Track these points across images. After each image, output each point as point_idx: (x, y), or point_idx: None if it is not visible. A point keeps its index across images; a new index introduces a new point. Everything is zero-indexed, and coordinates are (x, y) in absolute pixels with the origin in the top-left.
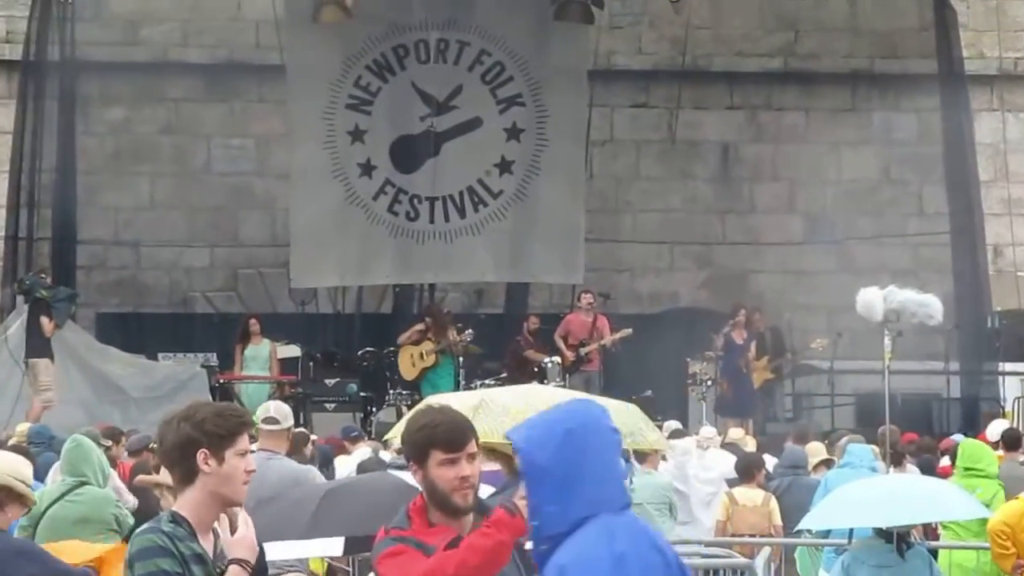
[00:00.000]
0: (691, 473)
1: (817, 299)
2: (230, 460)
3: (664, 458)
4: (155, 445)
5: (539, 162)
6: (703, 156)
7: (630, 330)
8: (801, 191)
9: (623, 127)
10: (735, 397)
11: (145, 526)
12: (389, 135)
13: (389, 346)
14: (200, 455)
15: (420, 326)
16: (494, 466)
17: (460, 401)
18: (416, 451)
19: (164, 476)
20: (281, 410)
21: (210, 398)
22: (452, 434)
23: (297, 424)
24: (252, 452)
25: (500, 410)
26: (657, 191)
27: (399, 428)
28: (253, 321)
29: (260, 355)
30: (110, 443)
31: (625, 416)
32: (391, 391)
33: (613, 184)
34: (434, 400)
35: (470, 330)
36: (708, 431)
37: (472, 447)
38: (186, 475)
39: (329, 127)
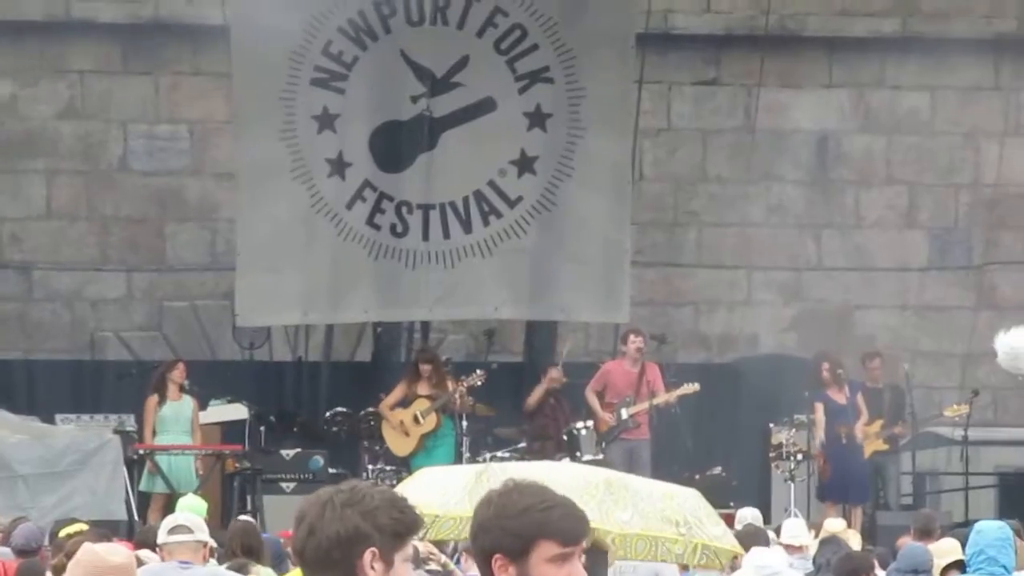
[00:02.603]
0: None
1: (946, 344)
2: (399, 567)
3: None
4: (302, 532)
5: (571, 158)
6: (792, 151)
7: (696, 385)
8: (925, 198)
9: (684, 112)
10: (835, 476)
11: None
12: (369, 121)
13: (367, 406)
14: (368, 555)
15: (407, 380)
16: None
17: (456, 475)
18: (513, 540)
19: None
20: (193, 520)
21: (124, 473)
22: (574, 522)
23: (243, 509)
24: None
25: None
26: (730, 198)
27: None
28: (178, 368)
29: (181, 415)
30: None
31: (679, 502)
32: (370, 466)
33: (671, 188)
34: (516, 473)
35: (479, 371)
36: (795, 528)
37: (584, 541)
38: None
39: (288, 110)
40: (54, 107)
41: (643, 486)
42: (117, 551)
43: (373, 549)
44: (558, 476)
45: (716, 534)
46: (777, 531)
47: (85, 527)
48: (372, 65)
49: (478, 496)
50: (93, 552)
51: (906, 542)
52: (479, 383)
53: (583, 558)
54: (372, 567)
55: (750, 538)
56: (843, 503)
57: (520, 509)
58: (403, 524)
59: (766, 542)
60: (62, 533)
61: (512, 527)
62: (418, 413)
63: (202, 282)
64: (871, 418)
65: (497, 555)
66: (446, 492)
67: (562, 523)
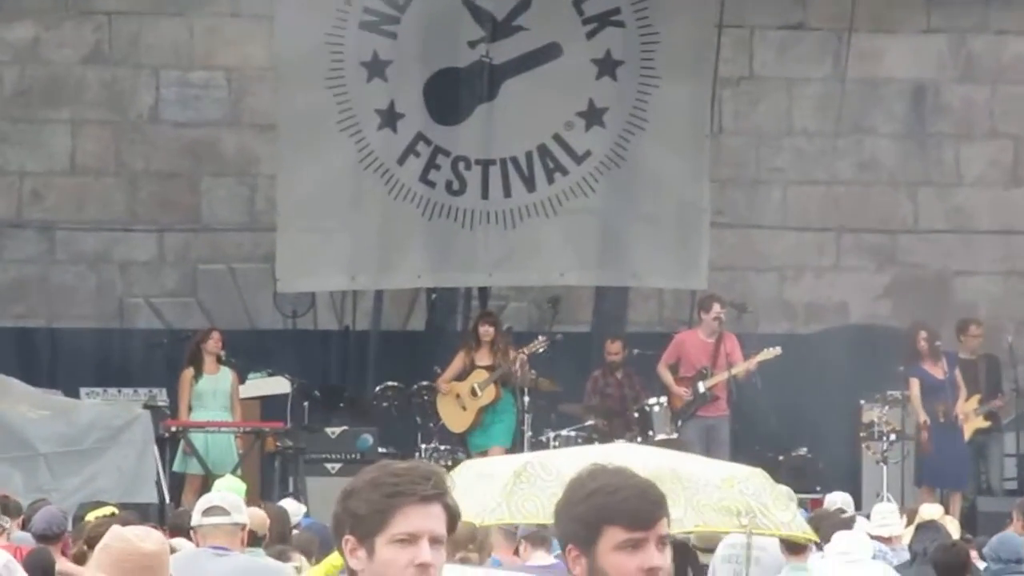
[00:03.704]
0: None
1: None
2: (383, 552)
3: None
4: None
5: (644, 110)
6: (886, 102)
7: (778, 349)
8: None
9: (768, 59)
10: (932, 458)
11: None
12: (423, 69)
13: (421, 380)
14: (345, 544)
15: (465, 349)
16: (546, 558)
17: (496, 475)
18: (580, 528)
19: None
20: (230, 500)
21: (155, 452)
22: (641, 504)
23: (284, 492)
24: (427, 537)
25: (551, 478)
26: (817, 153)
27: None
28: (213, 337)
29: (220, 389)
30: (5, 521)
31: (741, 488)
32: (424, 445)
33: (753, 143)
34: (599, 458)
35: (542, 337)
36: (886, 514)
37: (664, 526)
38: (350, 574)
39: (335, 56)
40: (79, 51)
41: (700, 474)
42: (149, 536)
43: (347, 537)
44: None
45: (784, 520)
46: (868, 518)
47: (113, 510)
48: (427, 7)
49: (517, 501)
50: (123, 537)
51: (1007, 532)
52: (541, 350)
53: (666, 547)
54: (355, 556)
55: (835, 524)
56: (940, 488)
57: (586, 494)
58: (380, 505)
59: (849, 520)
60: (89, 517)
61: (578, 513)
62: (475, 385)
63: (240, 243)
64: (968, 394)
65: (569, 546)
66: (484, 497)
67: (627, 505)
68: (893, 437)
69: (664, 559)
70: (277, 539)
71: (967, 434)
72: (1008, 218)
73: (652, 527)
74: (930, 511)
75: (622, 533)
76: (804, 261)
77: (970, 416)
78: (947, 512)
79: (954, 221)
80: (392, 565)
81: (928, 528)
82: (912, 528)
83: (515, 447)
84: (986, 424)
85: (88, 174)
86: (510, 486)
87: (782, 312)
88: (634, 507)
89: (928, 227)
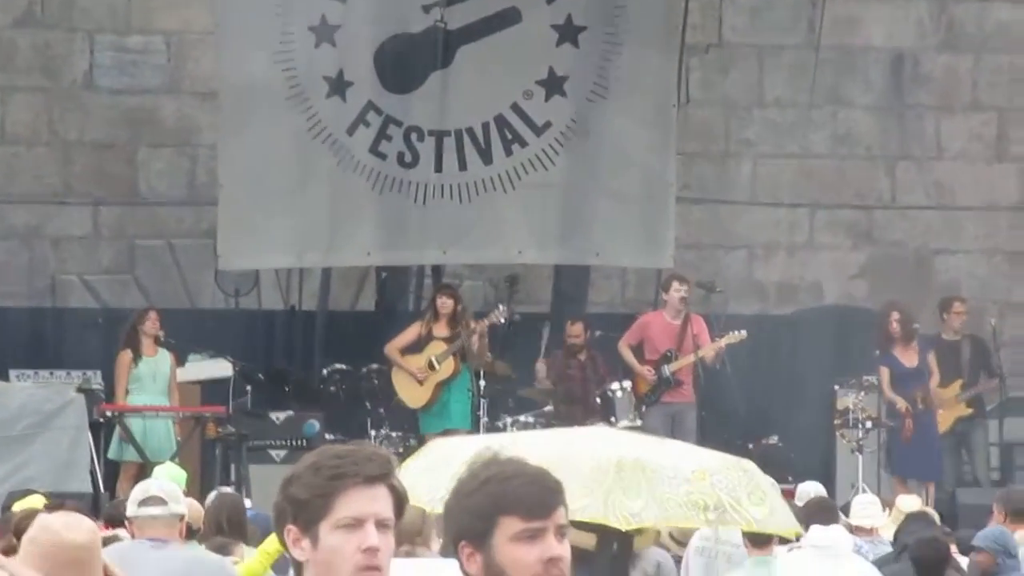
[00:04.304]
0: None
1: None
2: (327, 539)
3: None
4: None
5: (608, 79)
6: (863, 71)
7: (744, 333)
8: (1017, 127)
9: (739, 25)
10: (904, 447)
11: None
12: (374, 34)
13: (370, 362)
14: (287, 535)
15: (422, 320)
16: None
17: (457, 457)
18: (473, 520)
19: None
20: (168, 489)
21: (90, 439)
22: (537, 492)
23: (226, 481)
24: (373, 520)
25: None
26: (791, 125)
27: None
28: (151, 318)
29: (159, 372)
30: None
31: (714, 480)
32: (374, 431)
33: (723, 114)
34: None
35: (502, 306)
36: (867, 506)
37: (562, 515)
38: (295, 566)
39: (281, 20)
40: (10, 14)
41: (669, 465)
42: (80, 526)
43: (289, 527)
44: (567, 455)
45: (757, 516)
46: (845, 509)
47: (44, 500)
48: None
49: None
50: (50, 528)
51: (990, 524)
52: (502, 320)
53: (565, 537)
54: (298, 547)
55: (817, 514)
56: (912, 479)
57: (479, 483)
58: (322, 490)
59: (835, 519)
60: (16, 507)
61: (470, 505)
62: (433, 357)
63: (180, 218)
64: (948, 379)
65: (462, 542)
66: (439, 481)
67: (522, 493)
68: (869, 424)
69: (564, 549)
70: (229, 530)
71: (946, 423)
72: (991, 194)
73: (550, 516)
74: (908, 503)
75: (518, 523)
76: (776, 238)
77: (951, 403)
78: (926, 503)
79: (934, 197)
80: (338, 552)
81: (918, 519)
82: (890, 520)
83: (471, 433)
84: (968, 412)
85: (19, 144)
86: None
87: (752, 292)
88: (530, 495)
89: (907, 203)
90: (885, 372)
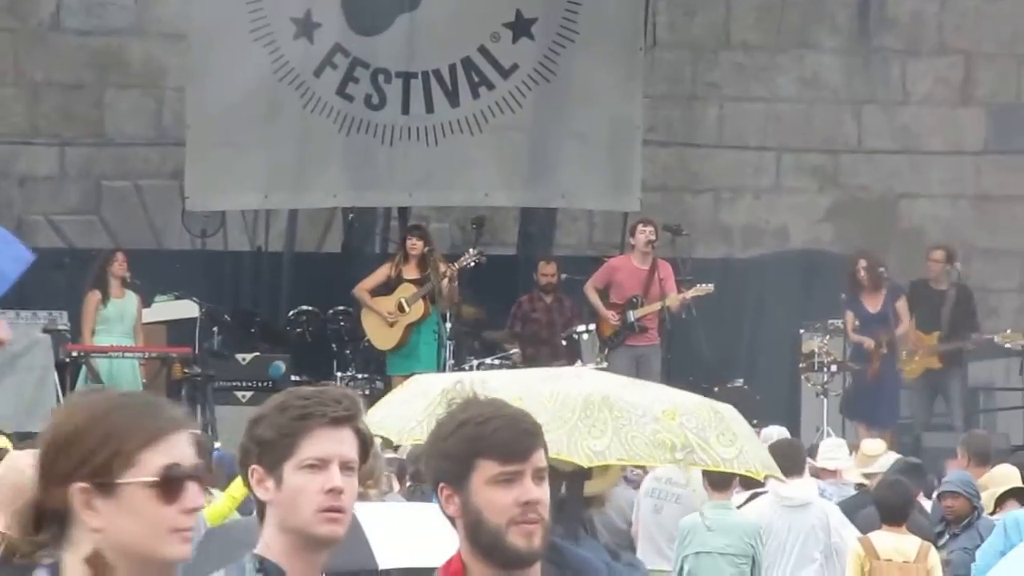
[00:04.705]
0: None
1: (1005, 240)
2: (291, 478)
3: (761, 483)
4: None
5: (575, 21)
6: (830, 13)
7: (711, 286)
8: (982, 69)
9: None
10: (864, 393)
11: None
12: None
13: (337, 303)
14: (252, 475)
15: (391, 262)
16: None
17: (430, 391)
18: (451, 464)
19: None
20: None
21: (56, 379)
22: (514, 435)
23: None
24: (337, 461)
25: None
26: (756, 68)
27: (402, 428)
28: (118, 259)
29: (126, 313)
30: None
31: (683, 420)
32: (339, 373)
33: (688, 57)
34: (467, 379)
35: (473, 249)
36: (833, 449)
37: (541, 458)
38: (258, 506)
39: None
40: None
41: (638, 404)
42: None
43: (253, 467)
44: (535, 392)
45: (725, 456)
46: (812, 452)
47: (7, 441)
48: None
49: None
50: (16, 467)
51: (952, 468)
52: (473, 263)
53: (544, 480)
54: (262, 487)
55: (783, 455)
56: (868, 423)
57: (455, 426)
58: (288, 429)
59: (801, 460)
60: None
61: (447, 448)
62: (403, 299)
63: (146, 159)
64: (927, 326)
65: (441, 484)
66: (410, 414)
67: (499, 436)
68: (834, 368)
69: (543, 492)
70: None
71: (916, 372)
72: (957, 138)
73: (527, 459)
74: (872, 447)
75: (495, 466)
76: (742, 182)
77: (927, 351)
78: (890, 447)
79: (900, 141)
80: (302, 492)
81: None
82: (854, 463)
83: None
84: (938, 366)
85: None
86: (434, 405)
87: (719, 236)
88: (507, 438)
89: (873, 147)
90: (850, 316)
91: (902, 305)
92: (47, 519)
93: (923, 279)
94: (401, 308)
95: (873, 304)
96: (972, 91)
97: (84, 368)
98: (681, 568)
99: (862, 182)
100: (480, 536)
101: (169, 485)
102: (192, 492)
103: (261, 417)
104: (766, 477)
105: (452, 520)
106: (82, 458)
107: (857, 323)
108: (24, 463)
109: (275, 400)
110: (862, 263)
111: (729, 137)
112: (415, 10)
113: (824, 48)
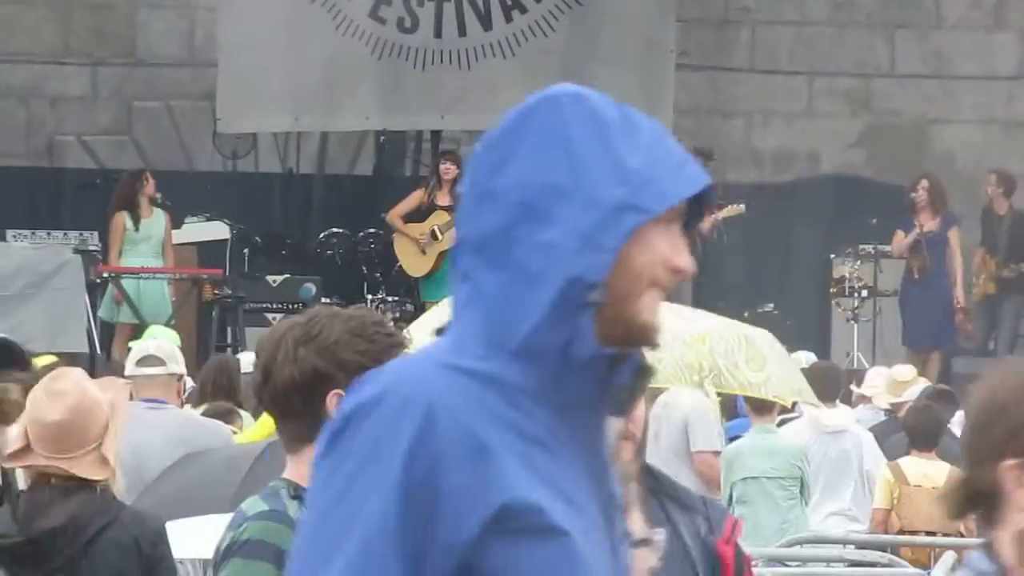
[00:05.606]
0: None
1: None
2: None
3: (792, 408)
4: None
5: None
6: None
7: (742, 206)
8: None
9: None
10: (913, 318)
11: (259, 505)
12: None
13: (368, 226)
14: (332, 399)
15: (424, 187)
16: None
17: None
18: None
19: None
20: (166, 349)
21: (86, 300)
22: None
23: (222, 343)
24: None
25: None
26: None
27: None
28: (146, 180)
29: (153, 234)
30: None
31: (712, 345)
32: (370, 296)
33: None
34: None
35: None
36: (877, 376)
37: None
38: (307, 430)
39: None
40: None
41: (667, 328)
42: (60, 401)
43: (338, 392)
44: None
45: (753, 380)
46: (859, 379)
47: (54, 359)
48: None
49: None
50: (33, 400)
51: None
52: None
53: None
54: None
55: (821, 380)
56: (918, 349)
57: None
58: (372, 355)
59: (838, 386)
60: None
61: None
62: (437, 227)
63: (178, 79)
64: (991, 251)
65: None
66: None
67: None
68: (865, 294)
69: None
70: (223, 393)
71: (979, 295)
72: (990, 63)
73: None
74: (903, 373)
75: None
76: (773, 106)
77: (986, 278)
78: (922, 373)
79: (932, 66)
80: None
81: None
82: (884, 389)
83: None
84: (991, 291)
85: (18, 3)
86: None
87: (750, 160)
88: None
89: (905, 72)
90: (900, 234)
91: (953, 234)
92: (976, 498)
93: (988, 205)
94: (435, 235)
95: (930, 222)
96: (1006, 16)
97: (109, 289)
98: (730, 495)
99: (894, 107)
100: None
101: None
102: None
103: (334, 342)
104: (794, 404)
105: None
106: (1011, 433)
107: (908, 242)
108: (39, 397)
109: (339, 324)
110: (923, 183)
111: (761, 61)
112: None
113: None
